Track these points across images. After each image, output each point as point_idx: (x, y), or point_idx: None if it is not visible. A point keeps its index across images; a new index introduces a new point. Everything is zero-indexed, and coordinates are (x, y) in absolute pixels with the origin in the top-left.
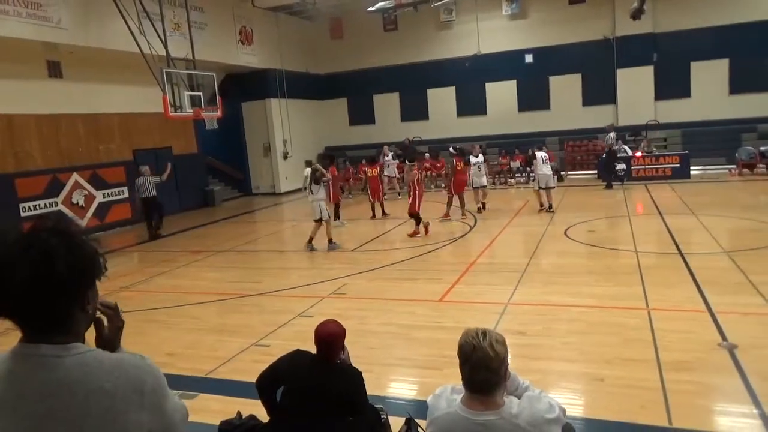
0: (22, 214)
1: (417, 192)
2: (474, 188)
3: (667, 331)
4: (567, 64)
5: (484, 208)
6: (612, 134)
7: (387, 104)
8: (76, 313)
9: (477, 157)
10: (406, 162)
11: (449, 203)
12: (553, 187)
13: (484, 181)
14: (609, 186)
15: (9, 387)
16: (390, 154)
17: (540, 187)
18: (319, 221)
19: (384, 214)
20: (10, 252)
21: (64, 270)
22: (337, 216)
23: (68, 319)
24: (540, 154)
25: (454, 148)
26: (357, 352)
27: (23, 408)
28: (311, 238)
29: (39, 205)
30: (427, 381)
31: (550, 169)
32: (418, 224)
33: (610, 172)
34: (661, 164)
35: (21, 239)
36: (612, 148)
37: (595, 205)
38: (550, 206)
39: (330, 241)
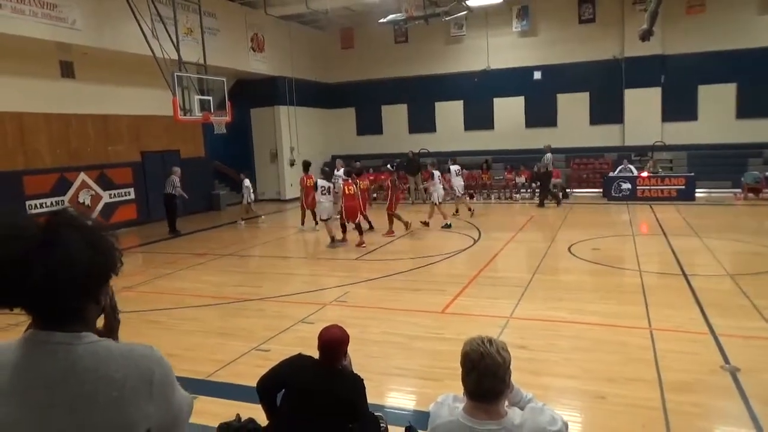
0: (29, 212)
1: (343, 205)
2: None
3: (670, 352)
4: (575, 82)
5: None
6: (549, 155)
7: (395, 115)
8: (90, 305)
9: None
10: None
11: (392, 220)
12: (464, 194)
13: (434, 197)
14: (541, 204)
15: (20, 374)
16: (342, 169)
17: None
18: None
19: (370, 227)
20: (29, 246)
21: (83, 265)
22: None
23: (82, 311)
24: (454, 168)
25: (391, 165)
26: (357, 360)
27: (33, 395)
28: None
29: (45, 203)
30: (426, 392)
31: (462, 180)
32: (344, 232)
33: (545, 191)
34: (667, 185)
35: (40, 233)
36: (548, 168)
37: (600, 223)
38: (471, 211)
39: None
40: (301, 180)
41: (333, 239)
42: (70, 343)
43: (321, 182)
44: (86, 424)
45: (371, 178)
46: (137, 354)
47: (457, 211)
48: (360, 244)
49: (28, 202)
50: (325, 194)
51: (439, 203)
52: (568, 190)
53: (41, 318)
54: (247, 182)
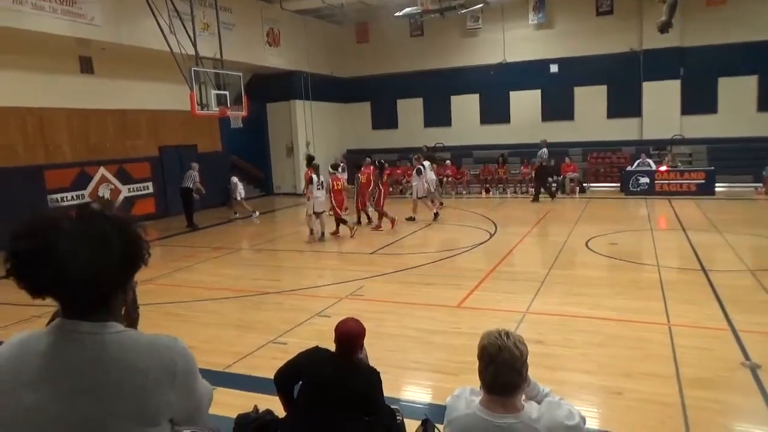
0: (50, 206)
1: (332, 197)
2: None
3: (688, 348)
4: (592, 75)
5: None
6: (544, 150)
7: (410, 109)
8: (118, 296)
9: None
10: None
11: (381, 216)
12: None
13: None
14: (536, 199)
15: (48, 362)
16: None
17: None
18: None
19: (369, 220)
20: (65, 238)
21: (116, 256)
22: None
23: (109, 301)
24: (427, 163)
25: (377, 162)
26: (373, 354)
27: (61, 382)
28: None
29: (66, 197)
30: (442, 386)
31: (434, 175)
32: (338, 226)
33: (541, 185)
34: (686, 180)
35: (75, 225)
36: (542, 163)
37: (618, 218)
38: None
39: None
40: (305, 174)
41: (312, 231)
42: (96, 332)
43: (315, 177)
44: (112, 411)
45: (387, 172)
46: (161, 345)
47: (441, 203)
48: (334, 233)
49: (49, 197)
50: (319, 189)
51: (419, 198)
52: (585, 185)
53: (70, 307)
54: (234, 179)
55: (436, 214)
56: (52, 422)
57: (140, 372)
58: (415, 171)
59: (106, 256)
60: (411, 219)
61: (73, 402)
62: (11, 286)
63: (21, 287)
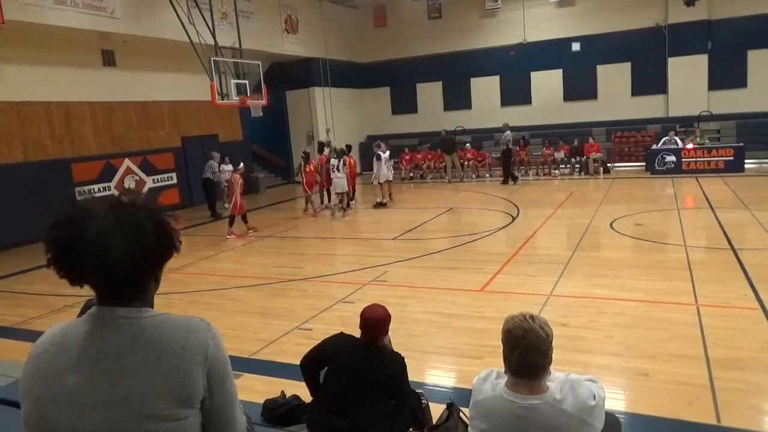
0: (78, 198)
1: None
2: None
3: (717, 328)
4: (616, 52)
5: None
6: (508, 133)
7: (430, 93)
8: (151, 282)
9: (384, 153)
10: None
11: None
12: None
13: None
14: (505, 182)
15: (88, 345)
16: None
17: (380, 182)
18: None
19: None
20: (102, 227)
21: (150, 244)
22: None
23: (144, 288)
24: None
25: (303, 153)
26: (398, 339)
27: (101, 364)
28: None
29: (93, 189)
30: (466, 369)
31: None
32: (246, 222)
33: (507, 169)
34: (714, 157)
35: (110, 214)
36: (508, 146)
37: (643, 197)
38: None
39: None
40: (319, 160)
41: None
42: (133, 317)
43: (333, 161)
44: (150, 391)
45: (407, 157)
46: (195, 328)
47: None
48: (252, 229)
49: (77, 189)
50: (334, 171)
51: (383, 182)
52: (609, 165)
53: (107, 294)
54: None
55: (383, 203)
56: (92, 402)
57: (175, 353)
58: (374, 157)
59: (139, 243)
60: (382, 204)
61: (113, 382)
62: (43, 277)
63: (61, 276)
